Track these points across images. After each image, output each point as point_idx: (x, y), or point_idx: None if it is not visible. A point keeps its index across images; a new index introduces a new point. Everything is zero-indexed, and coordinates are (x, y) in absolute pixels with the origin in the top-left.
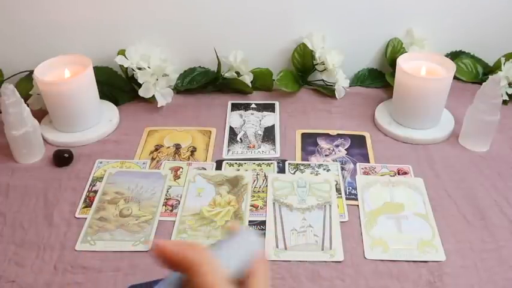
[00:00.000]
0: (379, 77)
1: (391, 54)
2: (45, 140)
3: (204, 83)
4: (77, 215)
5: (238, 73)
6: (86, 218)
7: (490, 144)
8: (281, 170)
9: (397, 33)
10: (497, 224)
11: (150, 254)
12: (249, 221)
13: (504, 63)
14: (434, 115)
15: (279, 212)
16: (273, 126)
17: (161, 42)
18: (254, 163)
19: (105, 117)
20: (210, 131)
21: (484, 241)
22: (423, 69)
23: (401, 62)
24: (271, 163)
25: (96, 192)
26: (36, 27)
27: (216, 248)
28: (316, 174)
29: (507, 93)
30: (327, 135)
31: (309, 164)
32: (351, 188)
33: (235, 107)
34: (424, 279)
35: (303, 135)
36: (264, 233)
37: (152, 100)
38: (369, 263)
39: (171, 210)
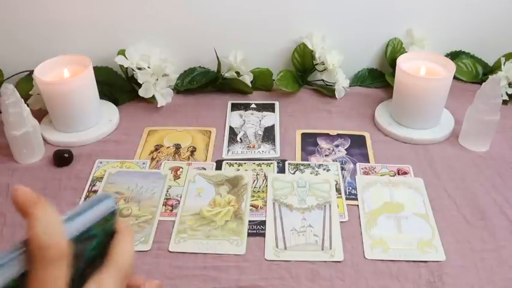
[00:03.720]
0: (379, 77)
1: (391, 54)
2: (45, 140)
3: (204, 83)
4: None
5: (238, 73)
6: None
7: (490, 144)
8: (281, 170)
9: (397, 33)
10: (497, 224)
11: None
12: (249, 221)
13: (504, 63)
14: (434, 115)
15: (279, 212)
16: (272, 126)
17: (161, 42)
18: (254, 163)
19: (105, 117)
20: (210, 131)
21: (484, 241)
22: (423, 69)
23: (401, 62)
24: (271, 163)
25: (96, 192)
26: (36, 27)
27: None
28: (316, 174)
29: (507, 93)
30: (327, 135)
31: (309, 164)
32: (350, 188)
33: (235, 107)
34: (424, 279)
35: (303, 135)
36: (264, 233)
37: (152, 100)
38: (369, 263)
39: (171, 210)
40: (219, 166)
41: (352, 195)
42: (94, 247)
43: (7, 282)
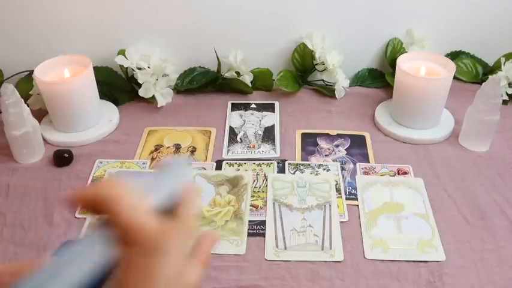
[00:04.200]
0: (379, 77)
1: (391, 54)
2: (45, 140)
3: (204, 83)
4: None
5: (238, 73)
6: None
7: (490, 144)
8: (281, 170)
9: (397, 33)
10: (497, 224)
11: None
12: (249, 221)
13: (504, 63)
14: (434, 115)
15: (279, 212)
16: (272, 126)
17: (161, 42)
18: (254, 163)
19: (105, 117)
20: (210, 131)
21: (483, 241)
22: (423, 69)
23: (401, 62)
24: (271, 163)
25: None
26: (36, 27)
27: (142, 180)
28: (316, 174)
29: (507, 93)
30: (327, 135)
31: (309, 164)
32: (350, 188)
33: (235, 107)
34: (424, 279)
35: (303, 135)
36: (264, 233)
37: (152, 100)
38: (369, 263)
39: None
40: (219, 166)
41: (352, 195)
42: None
43: (94, 265)
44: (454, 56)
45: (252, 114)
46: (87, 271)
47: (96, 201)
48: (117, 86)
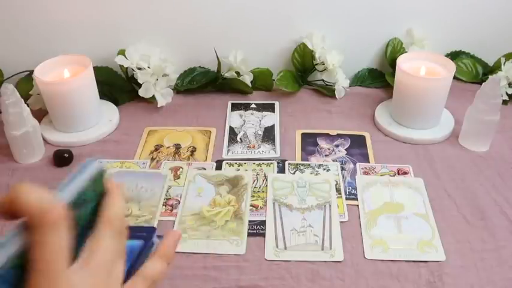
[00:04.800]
0: (379, 77)
1: (391, 54)
2: (45, 140)
3: (204, 83)
4: None
5: (238, 73)
6: None
7: (490, 144)
8: (281, 170)
9: (397, 33)
10: (497, 224)
11: None
12: (249, 221)
13: (504, 63)
14: (434, 115)
15: (279, 212)
16: (272, 126)
17: (161, 42)
18: (254, 163)
19: (105, 117)
20: (210, 131)
21: (483, 241)
22: (423, 69)
23: (401, 62)
24: (271, 163)
25: None
26: (36, 27)
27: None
28: (316, 174)
29: (507, 93)
30: (327, 135)
31: (309, 164)
32: (350, 188)
33: (235, 107)
34: (424, 279)
35: (303, 135)
36: (264, 233)
37: (152, 100)
38: (369, 263)
39: (171, 210)
40: (219, 166)
41: (352, 195)
42: (90, 212)
43: (11, 259)
44: (454, 56)
45: (252, 114)
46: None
47: (7, 203)
48: (117, 86)
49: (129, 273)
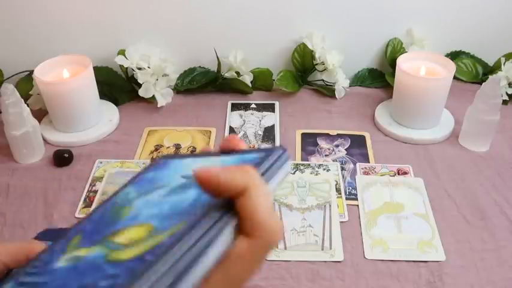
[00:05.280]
0: (379, 77)
1: (391, 54)
2: (45, 140)
3: (204, 83)
4: (76, 215)
5: (238, 73)
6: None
7: (490, 144)
8: None
9: (397, 33)
10: (497, 224)
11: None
12: None
13: (504, 63)
14: (434, 115)
15: (279, 212)
16: (272, 126)
17: (161, 42)
18: None
19: (105, 117)
20: (210, 131)
21: (484, 241)
22: (423, 69)
23: (401, 62)
24: None
25: (96, 192)
26: (36, 27)
27: (261, 168)
28: (316, 174)
29: (507, 93)
30: (327, 135)
31: (309, 164)
32: (350, 188)
33: (235, 107)
34: (424, 279)
35: (303, 135)
36: None
37: (152, 100)
38: (369, 263)
39: None
40: None
41: (352, 195)
42: None
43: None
44: (454, 56)
45: (252, 114)
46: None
47: (226, 188)
48: (117, 86)
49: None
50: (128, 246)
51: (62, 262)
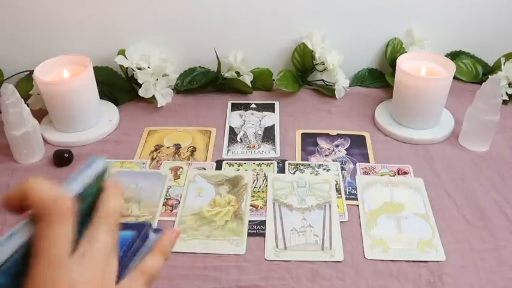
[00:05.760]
0: (379, 77)
1: (391, 54)
2: (45, 140)
3: (204, 83)
4: None
5: (238, 73)
6: None
7: (490, 144)
8: (281, 170)
9: (397, 33)
10: (497, 224)
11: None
12: (249, 221)
13: (504, 63)
14: (434, 115)
15: (279, 212)
16: (272, 126)
17: (161, 42)
18: (254, 163)
19: (105, 117)
20: (210, 131)
21: (484, 241)
22: (423, 69)
23: (401, 62)
24: (271, 163)
25: None
26: (36, 27)
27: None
28: (316, 174)
29: (507, 93)
30: (327, 135)
31: (309, 164)
32: (350, 188)
33: (235, 107)
34: (424, 279)
35: (303, 135)
36: (264, 233)
37: (152, 100)
38: (369, 263)
39: (171, 210)
40: (219, 166)
41: (352, 195)
42: (88, 206)
43: (18, 248)
44: (454, 56)
45: (252, 114)
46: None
47: (17, 198)
48: (117, 86)
49: (121, 263)
50: None
51: None
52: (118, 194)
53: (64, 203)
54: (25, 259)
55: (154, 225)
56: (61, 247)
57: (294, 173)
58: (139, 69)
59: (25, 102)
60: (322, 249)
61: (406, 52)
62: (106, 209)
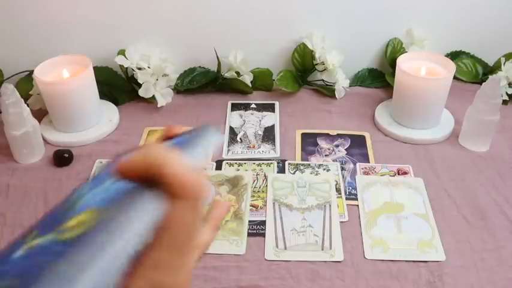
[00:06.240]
0: (379, 77)
1: (391, 54)
2: (45, 140)
3: (204, 83)
4: None
5: (238, 73)
6: None
7: (490, 144)
8: (281, 170)
9: (397, 33)
10: (497, 224)
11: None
12: (249, 221)
13: (504, 63)
14: (434, 115)
15: (279, 212)
16: (272, 126)
17: (161, 42)
18: (254, 163)
19: (105, 117)
20: None
21: (484, 241)
22: (423, 69)
23: (401, 62)
24: (271, 163)
25: None
26: (36, 27)
27: (175, 143)
28: (316, 174)
29: (507, 93)
30: (327, 135)
31: (309, 164)
32: (350, 188)
33: (235, 107)
34: (424, 279)
35: (303, 135)
36: (264, 233)
37: (152, 100)
38: (369, 263)
39: None
40: (219, 166)
41: (352, 195)
42: None
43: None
44: (454, 56)
45: (252, 114)
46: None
47: (144, 169)
48: (117, 86)
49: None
50: (75, 227)
51: (20, 252)
52: (228, 204)
53: (205, 190)
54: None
55: None
56: (194, 233)
57: (294, 173)
58: (139, 69)
59: (25, 102)
60: (322, 249)
61: (406, 52)
62: (217, 214)
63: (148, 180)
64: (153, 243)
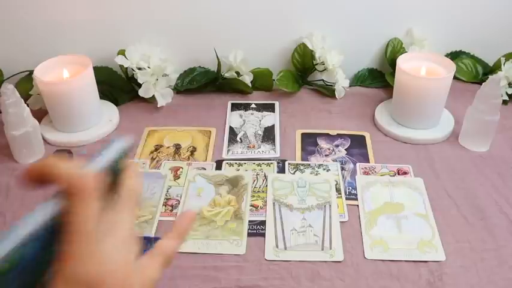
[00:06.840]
0: (379, 77)
1: (391, 54)
2: (45, 140)
3: (204, 83)
4: None
5: (238, 73)
6: None
7: (490, 144)
8: (281, 170)
9: (397, 33)
10: (497, 224)
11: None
12: (249, 221)
13: (504, 63)
14: (434, 115)
15: (279, 212)
16: (272, 126)
17: (161, 42)
18: (254, 163)
19: (105, 117)
20: (210, 131)
21: (484, 241)
22: (423, 69)
23: (401, 62)
24: (271, 163)
25: None
26: (36, 27)
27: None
28: (316, 174)
29: (507, 93)
30: (327, 135)
31: (309, 164)
32: (350, 188)
33: (235, 107)
34: (424, 279)
35: (303, 135)
36: (264, 233)
37: (152, 100)
38: (369, 263)
39: (171, 210)
40: (219, 166)
41: (352, 195)
42: (107, 186)
43: (46, 220)
44: (454, 56)
45: (252, 114)
46: (37, 225)
47: (41, 172)
48: (117, 86)
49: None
50: None
51: None
52: (137, 173)
53: (91, 180)
54: (54, 231)
55: (154, 226)
56: (93, 222)
57: (294, 173)
58: (139, 69)
59: (25, 102)
60: (322, 249)
61: (406, 52)
62: (128, 188)
63: (45, 181)
64: (59, 237)
